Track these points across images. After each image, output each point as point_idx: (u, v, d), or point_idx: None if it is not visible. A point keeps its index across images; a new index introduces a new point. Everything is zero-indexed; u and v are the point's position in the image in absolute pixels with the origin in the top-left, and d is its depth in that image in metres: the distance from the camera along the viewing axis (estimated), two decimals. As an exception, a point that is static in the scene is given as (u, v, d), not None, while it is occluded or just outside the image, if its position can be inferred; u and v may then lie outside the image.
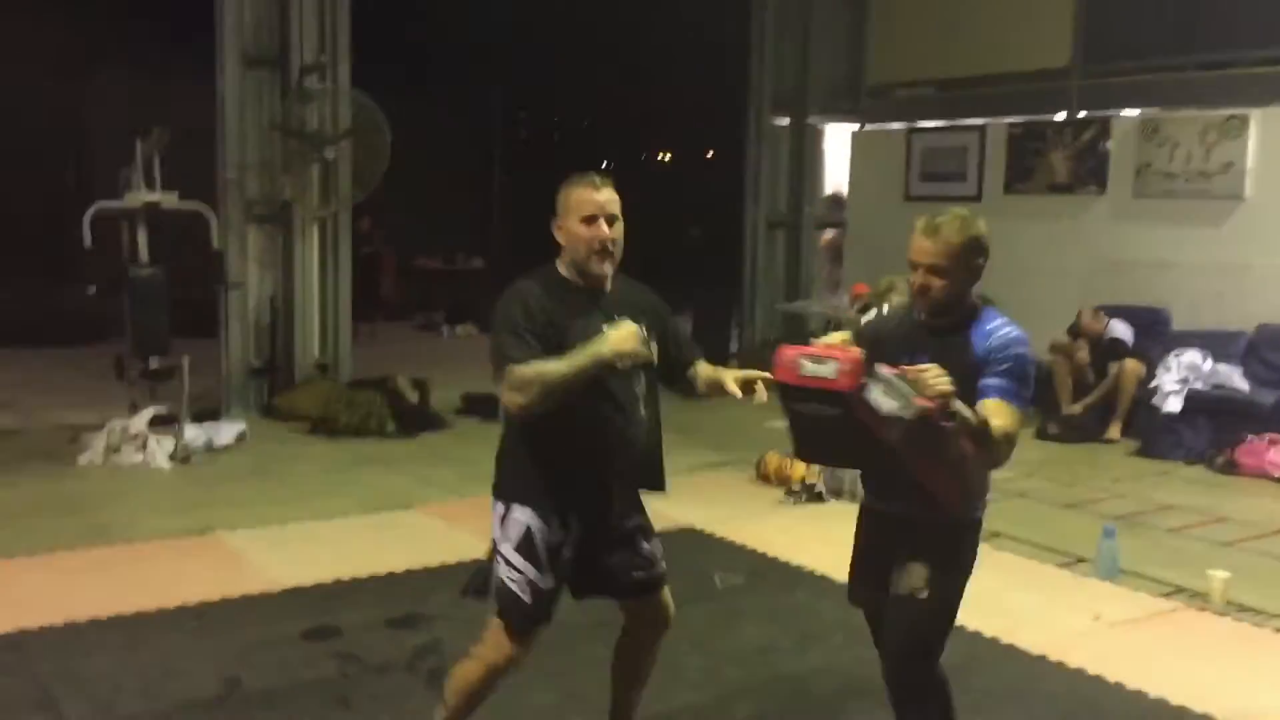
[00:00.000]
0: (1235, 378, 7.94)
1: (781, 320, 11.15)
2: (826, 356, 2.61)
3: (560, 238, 2.98)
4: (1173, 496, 6.67)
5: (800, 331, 11.05)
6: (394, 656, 4.13)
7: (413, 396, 8.19)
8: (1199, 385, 7.91)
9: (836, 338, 2.74)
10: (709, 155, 18.92)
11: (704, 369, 3.18)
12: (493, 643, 3.00)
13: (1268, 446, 7.23)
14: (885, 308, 3.01)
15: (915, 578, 2.80)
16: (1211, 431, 7.67)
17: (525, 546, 2.94)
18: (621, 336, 2.82)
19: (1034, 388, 2.87)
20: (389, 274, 14.43)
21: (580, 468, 2.95)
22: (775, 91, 11.06)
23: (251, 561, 5.18)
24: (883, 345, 2.88)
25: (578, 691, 3.79)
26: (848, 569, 3.14)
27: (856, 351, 2.64)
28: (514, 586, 2.94)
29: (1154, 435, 7.82)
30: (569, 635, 3.95)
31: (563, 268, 3.01)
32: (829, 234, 11.89)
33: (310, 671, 4.00)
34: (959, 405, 2.60)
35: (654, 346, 3.01)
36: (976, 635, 4.22)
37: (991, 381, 2.76)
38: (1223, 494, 6.77)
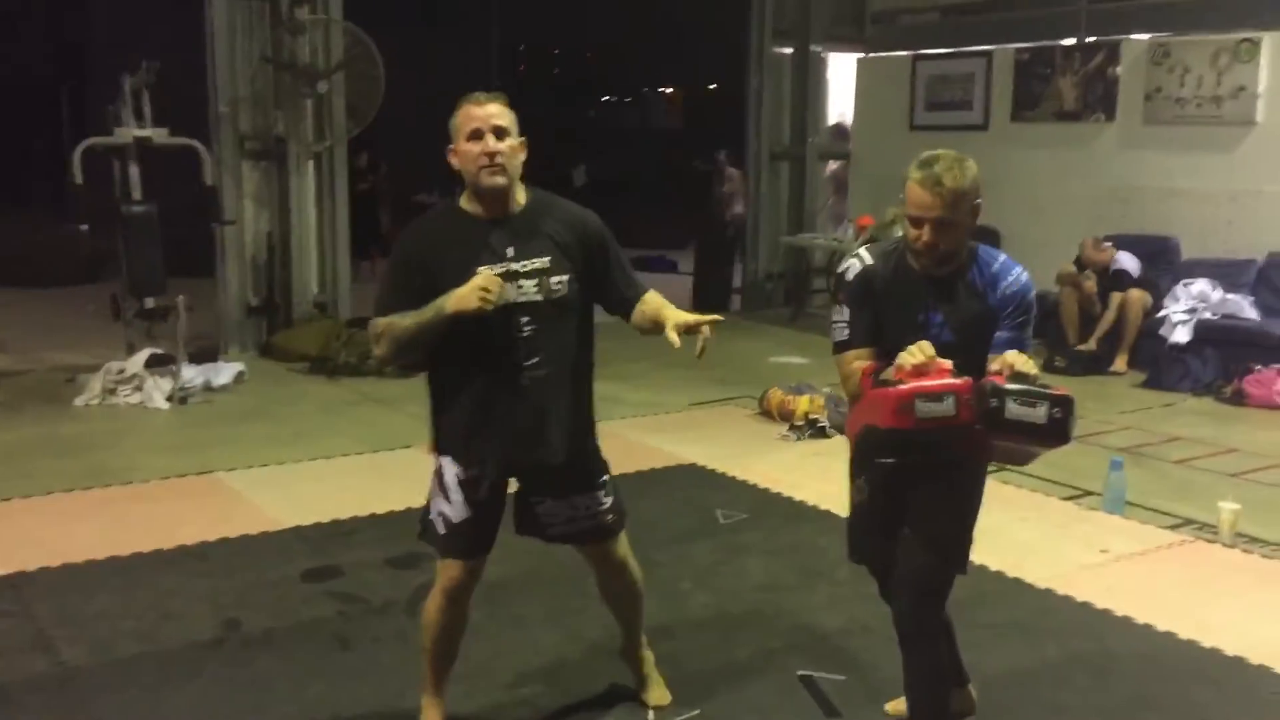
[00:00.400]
0: (1245, 307, 7.84)
1: (785, 253, 11.03)
2: (943, 390, 2.51)
3: (454, 163, 2.86)
4: (1180, 428, 6.61)
5: (804, 264, 10.96)
6: (395, 597, 4.09)
7: (412, 334, 8.09)
8: (1208, 315, 7.83)
9: (920, 354, 2.55)
10: (711, 88, 18.66)
11: (650, 303, 2.96)
12: (439, 572, 3.03)
13: (1277, 376, 7.14)
14: (865, 255, 2.82)
15: (929, 520, 2.74)
16: (1219, 362, 7.59)
17: (437, 481, 2.98)
18: (462, 294, 2.71)
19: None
20: (388, 210, 14.25)
21: (470, 411, 2.89)
22: (777, 20, 10.82)
23: (250, 501, 5.13)
24: (889, 305, 2.75)
25: (582, 632, 3.76)
26: (847, 528, 3.06)
27: (950, 368, 2.55)
28: (432, 517, 3.00)
29: (1161, 366, 7.74)
30: (574, 576, 3.94)
31: (464, 199, 2.91)
32: (833, 165, 11.73)
33: (310, 612, 3.97)
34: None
35: (556, 281, 2.85)
36: (983, 569, 4.17)
37: (1011, 335, 2.68)
38: (1230, 425, 6.71)
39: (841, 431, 6.25)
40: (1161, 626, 3.87)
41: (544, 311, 2.85)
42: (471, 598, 3.07)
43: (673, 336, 2.79)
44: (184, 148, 7.32)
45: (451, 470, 2.95)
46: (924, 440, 2.58)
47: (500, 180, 2.82)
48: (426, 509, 3.04)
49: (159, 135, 7.14)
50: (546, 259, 2.86)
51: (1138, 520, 4.98)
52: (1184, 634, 3.81)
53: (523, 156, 2.88)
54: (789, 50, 10.98)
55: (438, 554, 3.02)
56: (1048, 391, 2.45)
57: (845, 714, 3.28)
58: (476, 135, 2.79)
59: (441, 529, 2.98)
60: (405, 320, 2.80)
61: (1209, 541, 4.73)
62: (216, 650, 3.68)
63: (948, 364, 2.55)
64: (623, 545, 3.15)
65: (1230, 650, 3.69)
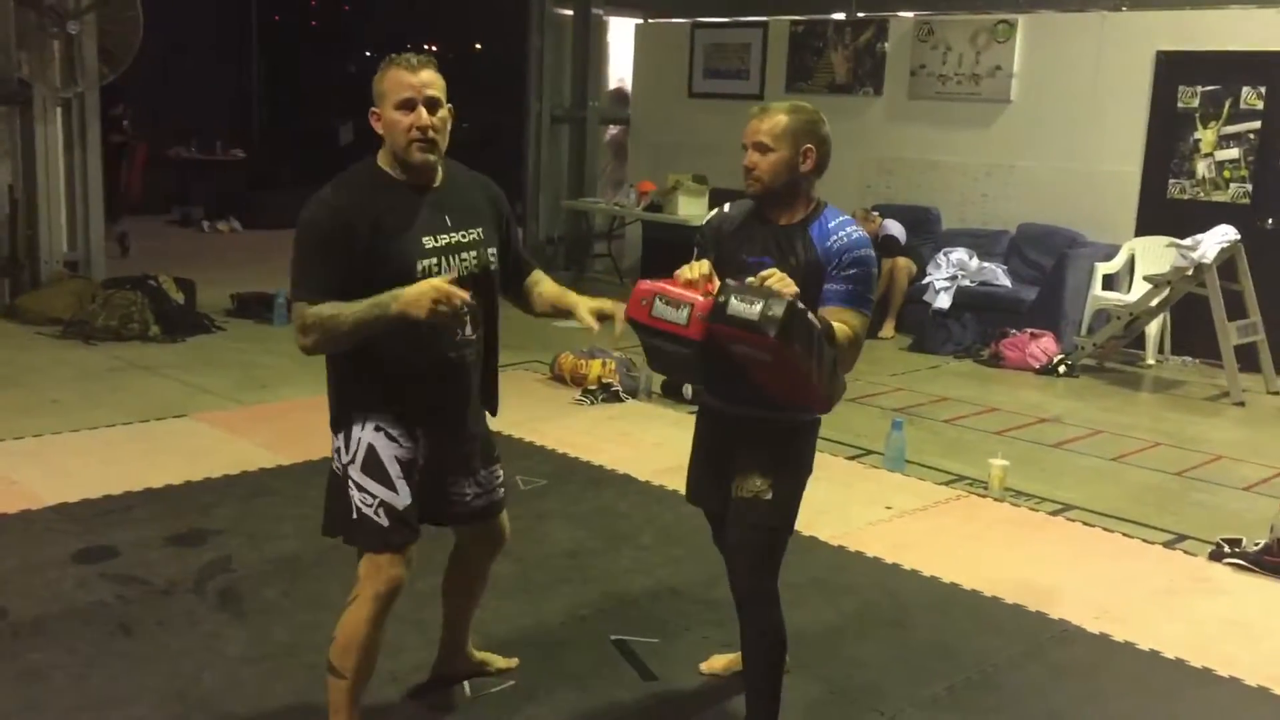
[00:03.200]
0: (999, 275, 8.35)
1: (566, 217, 10.99)
2: (682, 299, 2.49)
3: (378, 128, 2.67)
4: (946, 389, 6.98)
5: (585, 228, 10.96)
6: (179, 577, 3.84)
7: (178, 296, 7.64)
8: (967, 282, 8.29)
9: (698, 270, 2.55)
10: (476, 47, 18.31)
11: (547, 286, 2.93)
12: (369, 576, 2.68)
13: (1029, 340, 7.65)
14: (727, 206, 2.93)
15: (758, 481, 2.75)
16: (978, 326, 8.07)
17: (367, 466, 2.66)
18: (411, 298, 2.46)
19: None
20: (138, 167, 13.35)
21: (406, 387, 2.68)
22: (557, -21, 10.74)
23: (6, 477, 4.71)
24: (728, 247, 2.82)
25: (395, 612, 3.62)
26: (686, 469, 3.06)
27: (714, 291, 2.52)
28: (366, 510, 2.66)
29: (925, 331, 8.16)
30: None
31: (384, 162, 2.69)
32: (612, 130, 11.75)
33: (85, 597, 3.67)
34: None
35: (490, 253, 2.76)
36: (780, 529, 4.27)
37: (837, 288, 2.71)
38: (990, 385, 7.14)
39: (634, 396, 6.29)
40: (947, 579, 4.08)
41: (479, 285, 2.70)
42: None
43: (588, 320, 2.69)
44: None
45: (389, 450, 2.67)
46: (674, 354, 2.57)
47: (431, 156, 2.65)
48: (347, 505, 2.67)
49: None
50: (479, 230, 2.74)
51: (916, 477, 5.23)
52: (968, 585, 4.03)
53: (450, 125, 2.69)
54: (569, 12, 10.90)
55: (375, 550, 2.66)
56: (770, 290, 2.47)
57: (661, 676, 3.31)
58: (408, 105, 2.59)
59: (385, 520, 2.65)
60: (344, 315, 2.50)
61: (980, 496, 5.02)
62: (-19, 642, 3.36)
63: (716, 285, 2.55)
64: (505, 516, 3.05)
65: (1009, 599, 3.92)
